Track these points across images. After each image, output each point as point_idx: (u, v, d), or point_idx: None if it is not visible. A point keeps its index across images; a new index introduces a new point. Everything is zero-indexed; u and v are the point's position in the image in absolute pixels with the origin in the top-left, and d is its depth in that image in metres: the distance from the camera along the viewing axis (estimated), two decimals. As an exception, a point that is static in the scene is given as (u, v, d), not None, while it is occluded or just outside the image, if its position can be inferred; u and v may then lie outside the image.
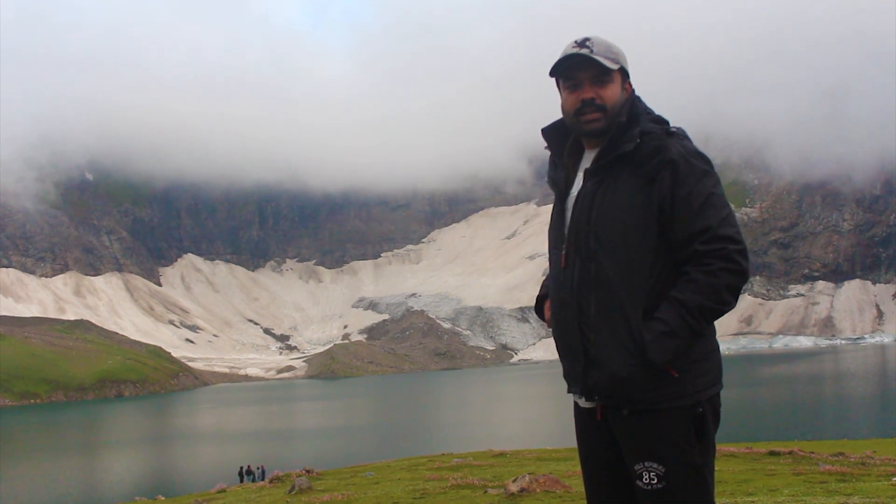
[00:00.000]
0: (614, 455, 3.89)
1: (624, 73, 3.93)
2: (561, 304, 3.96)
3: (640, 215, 3.73)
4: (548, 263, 4.15)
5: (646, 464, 3.71)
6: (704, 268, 3.64)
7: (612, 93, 3.88)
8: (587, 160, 3.98)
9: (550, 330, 4.16)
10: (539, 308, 4.28)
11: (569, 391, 4.04)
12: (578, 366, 3.88)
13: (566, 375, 4.02)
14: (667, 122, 3.93)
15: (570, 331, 3.91)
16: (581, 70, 3.88)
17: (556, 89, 4.04)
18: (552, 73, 3.98)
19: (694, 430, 3.71)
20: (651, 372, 3.68)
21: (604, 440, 3.92)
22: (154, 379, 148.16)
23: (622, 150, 3.80)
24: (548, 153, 4.22)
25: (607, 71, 3.86)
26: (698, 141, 3.96)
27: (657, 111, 4.01)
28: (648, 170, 3.75)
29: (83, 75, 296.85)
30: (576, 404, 4.06)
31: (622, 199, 3.77)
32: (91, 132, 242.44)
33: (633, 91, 3.98)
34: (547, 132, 4.15)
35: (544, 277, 4.32)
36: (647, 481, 3.71)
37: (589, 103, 3.88)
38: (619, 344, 3.73)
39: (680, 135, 3.85)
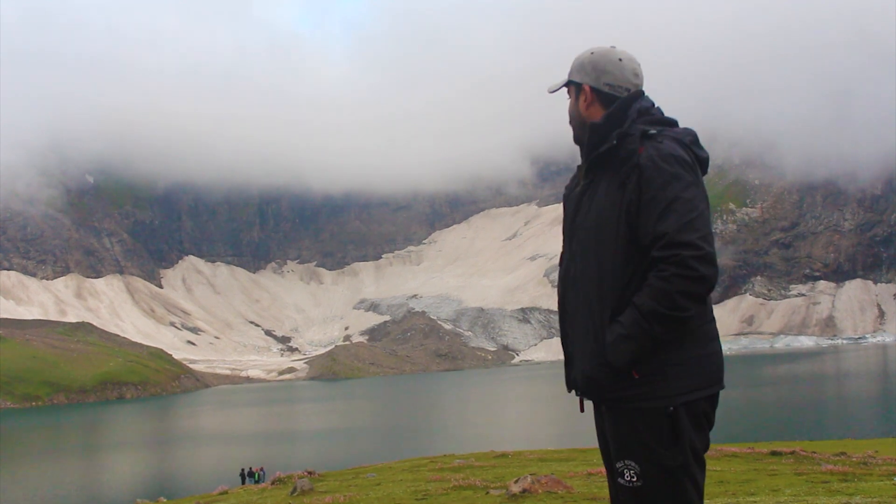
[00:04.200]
0: None
1: (574, 84, 4.17)
2: (558, 301, 4.19)
3: (612, 219, 3.84)
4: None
5: (625, 461, 3.82)
6: (659, 273, 3.70)
7: (569, 107, 4.21)
8: None
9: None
10: None
11: None
12: (565, 360, 4.12)
13: None
14: (671, 124, 3.99)
15: (560, 326, 4.15)
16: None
17: (562, 90, 4.33)
18: None
19: (669, 432, 3.76)
20: (613, 372, 3.80)
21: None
22: (155, 381, 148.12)
23: (598, 152, 3.95)
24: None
25: (559, 89, 4.25)
26: (703, 141, 3.98)
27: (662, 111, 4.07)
28: (622, 174, 3.85)
29: (84, 78, 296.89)
30: None
31: (600, 202, 3.91)
32: (92, 135, 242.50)
33: (631, 94, 4.04)
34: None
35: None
36: (628, 478, 3.81)
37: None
38: (588, 343, 3.90)
39: (662, 136, 3.87)
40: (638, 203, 3.75)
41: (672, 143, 3.84)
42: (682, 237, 3.65)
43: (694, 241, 3.65)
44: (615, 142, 3.86)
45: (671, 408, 3.75)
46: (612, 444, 3.89)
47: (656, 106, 4.06)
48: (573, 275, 3.97)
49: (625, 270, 3.81)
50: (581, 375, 3.92)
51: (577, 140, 4.12)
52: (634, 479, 3.77)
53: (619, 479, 3.84)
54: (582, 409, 4.11)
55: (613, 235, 3.81)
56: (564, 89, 4.22)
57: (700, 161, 3.91)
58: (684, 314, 3.68)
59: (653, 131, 3.87)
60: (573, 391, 4.10)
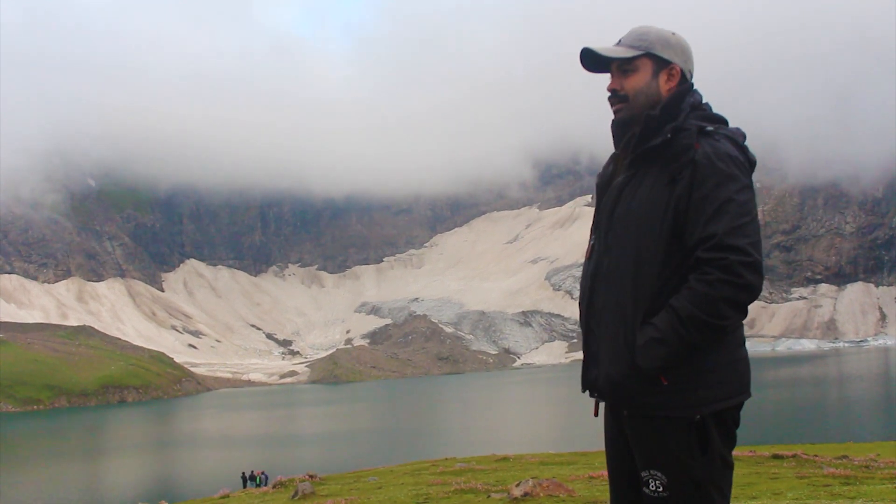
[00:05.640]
0: (633, 454, 3.84)
1: (657, 59, 3.84)
2: (582, 295, 3.96)
3: (657, 215, 3.65)
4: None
5: (651, 471, 3.66)
6: (703, 277, 3.50)
7: (635, 82, 3.83)
8: None
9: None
10: None
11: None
12: (584, 359, 3.91)
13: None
14: (724, 122, 3.82)
15: (583, 322, 3.91)
16: (611, 59, 3.87)
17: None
18: (585, 67, 3.96)
19: (697, 442, 3.60)
20: (641, 377, 3.60)
21: (624, 437, 3.86)
22: (157, 384, 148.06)
23: (649, 145, 3.73)
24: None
25: (627, 60, 3.82)
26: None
27: None
28: (673, 169, 3.66)
29: (85, 80, 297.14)
30: None
31: (645, 195, 3.70)
32: (93, 138, 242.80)
33: (686, 86, 3.87)
34: (613, 126, 4.06)
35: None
36: (654, 489, 3.65)
37: (613, 93, 3.87)
38: (616, 344, 3.68)
39: (719, 135, 3.71)
40: (688, 200, 3.57)
41: (728, 142, 3.68)
42: (732, 241, 3.46)
43: (743, 246, 3.46)
44: (669, 136, 3.68)
45: (698, 417, 3.59)
46: (637, 453, 3.72)
47: (705, 101, 3.90)
48: (606, 269, 3.75)
49: (663, 269, 3.62)
50: (605, 377, 3.71)
51: (626, 121, 3.86)
52: (660, 489, 3.61)
53: (645, 489, 3.67)
54: (596, 413, 3.89)
55: (656, 231, 3.62)
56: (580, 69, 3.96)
57: (751, 163, 3.74)
58: (724, 322, 3.48)
59: (710, 128, 3.71)
60: (588, 392, 3.90)
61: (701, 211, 3.55)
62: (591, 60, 3.89)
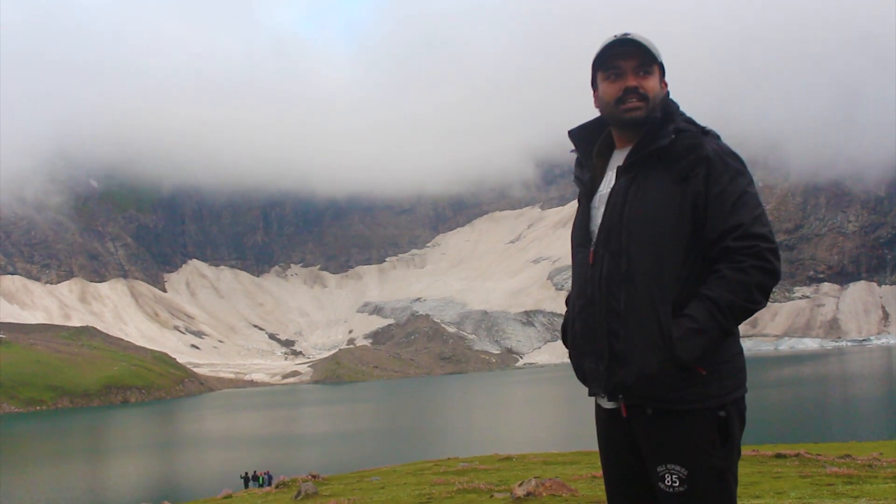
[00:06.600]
0: (636, 457, 3.85)
1: (662, 68, 3.97)
2: (588, 301, 3.92)
3: (674, 212, 3.73)
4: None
5: (668, 466, 3.68)
6: (736, 265, 3.62)
7: (654, 84, 3.90)
8: (618, 159, 3.99)
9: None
10: (565, 335, 4.23)
11: (590, 394, 3.98)
12: (602, 364, 3.83)
13: (587, 376, 3.96)
14: (697, 124, 3.96)
15: (597, 328, 3.86)
16: (625, 59, 3.88)
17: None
18: (596, 62, 3.96)
19: (718, 432, 3.69)
20: (679, 370, 3.65)
21: (626, 441, 3.88)
22: (159, 385, 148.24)
23: (657, 146, 3.81)
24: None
25: (651, 61, 3.89)
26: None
27: None
28: (683, 167, 3.77)
29: (88, 81, 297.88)
30: (597, 405, 4.02)
31: (655, 195, 3.78)
32: (96, 139, 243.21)
33: (667, 90, 4.01)
34: (574, 133, 4.16)
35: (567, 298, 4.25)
36: (669, 483, 3.68)
37: (632, 91, 3.88)
38: (649, 340, 3.70)
39: (714, 134, 3.89)
40: (706, 196, 3.70)
41: (721, 141, 3.88)
42: (756, 229, 3.64)
43: (766, 234, 3.66)
44: (673, 136, 3.81)
45: (724, 408, 3.71)
46: (653, 448, 3.73)
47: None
48: (625, 271, 3.77)
49: (685, 262, 3.73)
50: (638, 375, 3.70)
51: (640, 122, 3.88)
52: (677, 483, 3.66)
53: (660, 484, 3.70)
54: (626, 414, 3.85)
55: (673, 228, 3.72)
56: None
57: None
58: (757, 307, 3.67)
59: (708, 128, 3.89)
60: (608, 396, 3.86)
61: (721, 204, 3.68)
62: (621, 53, 3.89)
